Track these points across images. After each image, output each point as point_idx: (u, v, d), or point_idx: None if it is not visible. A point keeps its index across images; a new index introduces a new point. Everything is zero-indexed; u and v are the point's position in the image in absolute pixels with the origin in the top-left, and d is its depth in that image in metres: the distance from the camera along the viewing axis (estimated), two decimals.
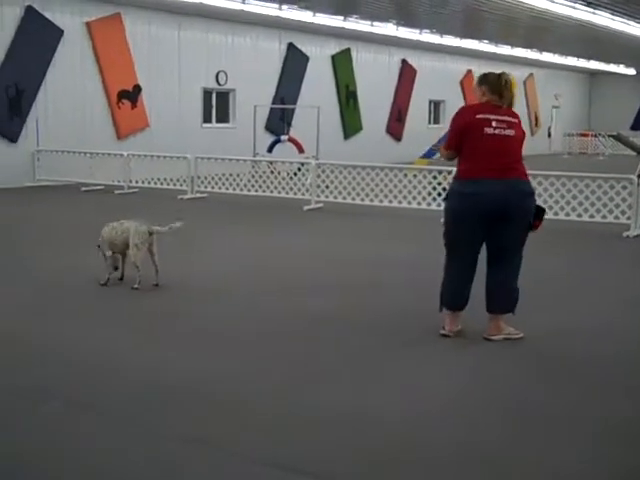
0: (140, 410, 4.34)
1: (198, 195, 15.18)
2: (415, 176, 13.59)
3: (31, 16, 17.05)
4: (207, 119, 21.89)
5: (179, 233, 7.65)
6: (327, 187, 14.20)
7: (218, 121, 22.23)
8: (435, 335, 5.77)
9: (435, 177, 13.43)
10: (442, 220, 5.87)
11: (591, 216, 11.83)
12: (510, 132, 5.55)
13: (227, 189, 15.12)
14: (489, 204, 5.44)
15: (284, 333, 5.93)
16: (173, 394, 4.60)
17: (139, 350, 5.47)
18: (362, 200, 13.79)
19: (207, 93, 21.80)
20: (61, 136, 17.46)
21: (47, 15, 17.37)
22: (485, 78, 5.70)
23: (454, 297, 5.75)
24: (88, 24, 18.32)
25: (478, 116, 5.56)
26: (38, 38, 17.14)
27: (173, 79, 20.44)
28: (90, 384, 4.76)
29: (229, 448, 3.87)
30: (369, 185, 13.94)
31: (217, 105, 22.20)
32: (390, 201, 13.60)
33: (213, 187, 15.28)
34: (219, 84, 21.86)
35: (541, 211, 5.63)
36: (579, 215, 11.84)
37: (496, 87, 5.62)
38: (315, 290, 7.37)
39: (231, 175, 15.21)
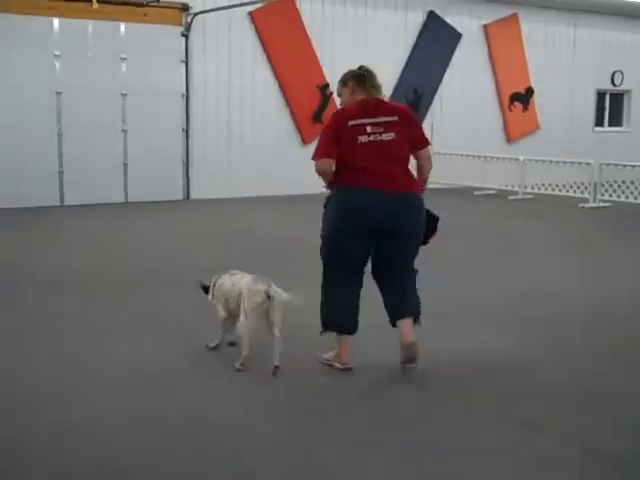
0: None
1: (601, 204, 14.22)
2: None
3: (433, 21, 17.30)
4: (599, 122, 20.67)
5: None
6: None
7: (610, 124, 20.90)
8: None
9: None
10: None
11: None
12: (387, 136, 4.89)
13: (635, 198, 13.93)
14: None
15: None
16: None
17: None
18: None
19: (600, 94, 20.57)
20: (452, 138, 17.33)
21: (447, 19, 17.51)
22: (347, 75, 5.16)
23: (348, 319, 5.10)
24: (485, 26, 18.16)
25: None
26: (438, 42, 17.33)
27: (565, 80, 19.51)
28: None
29: None
30: None
31: (610, 107, 20.87)
32: None
33: (619, 196, 14.19)
34: (614, 85, 20.50)
35: (435, 221, 5.10)
36: None
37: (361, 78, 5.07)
38: None
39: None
